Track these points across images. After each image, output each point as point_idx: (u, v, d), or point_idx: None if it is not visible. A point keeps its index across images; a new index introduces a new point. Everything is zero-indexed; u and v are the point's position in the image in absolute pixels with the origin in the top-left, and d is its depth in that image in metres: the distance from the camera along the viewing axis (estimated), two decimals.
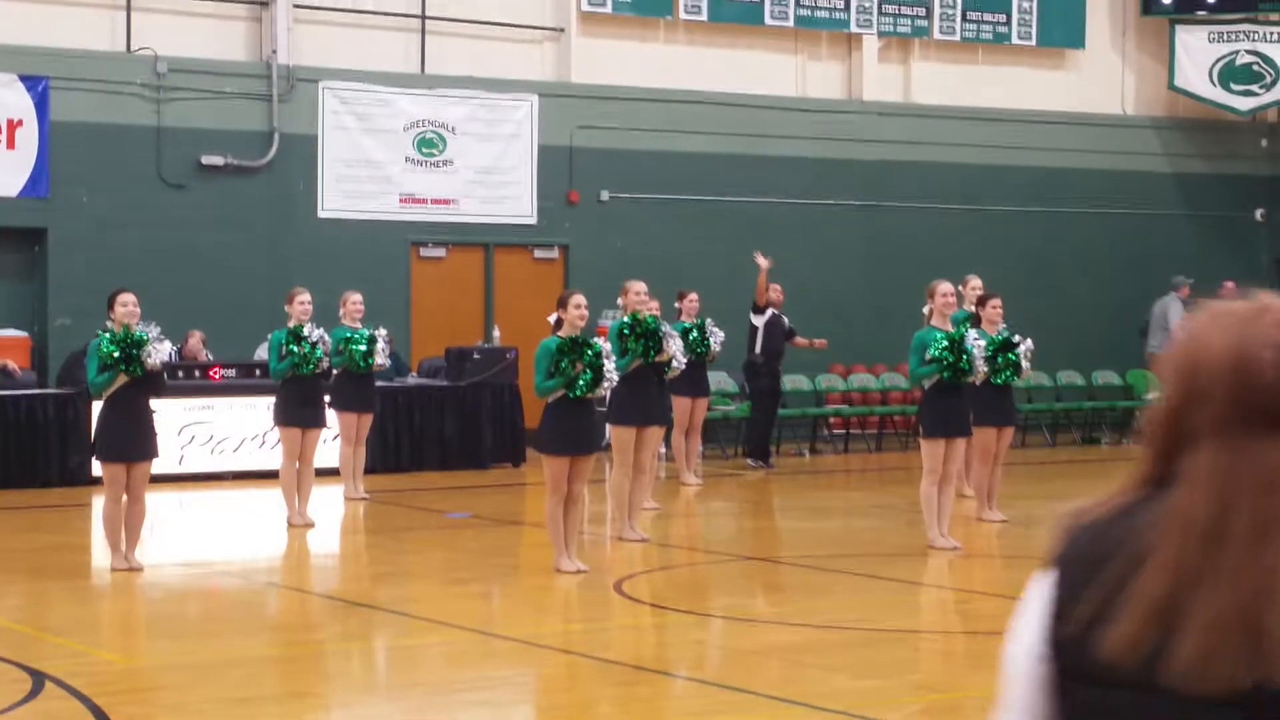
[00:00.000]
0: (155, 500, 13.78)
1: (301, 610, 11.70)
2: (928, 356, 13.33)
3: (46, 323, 19.27)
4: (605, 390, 12.21)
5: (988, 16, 24.17)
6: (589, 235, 21.74)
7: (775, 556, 13.73)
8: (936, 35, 23.85)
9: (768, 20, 22.82)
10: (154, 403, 12.51)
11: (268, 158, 20.24)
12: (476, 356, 19.50)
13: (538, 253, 21.73)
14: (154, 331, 12.14)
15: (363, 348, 15.84)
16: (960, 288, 15.85)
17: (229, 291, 19.82)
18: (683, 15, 22.38)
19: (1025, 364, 14.41)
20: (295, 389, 14.77)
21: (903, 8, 23.60)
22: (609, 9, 21.96)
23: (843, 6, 23.24)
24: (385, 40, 21.11)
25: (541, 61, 21.93)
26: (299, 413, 14.80)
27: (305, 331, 14.72)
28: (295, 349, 14.64)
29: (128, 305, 12.25)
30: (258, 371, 17.63)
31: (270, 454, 17.17)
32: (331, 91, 20.55)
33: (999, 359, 14.15)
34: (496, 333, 20.48)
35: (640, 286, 14.08)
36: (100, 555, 13.04)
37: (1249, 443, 2.14)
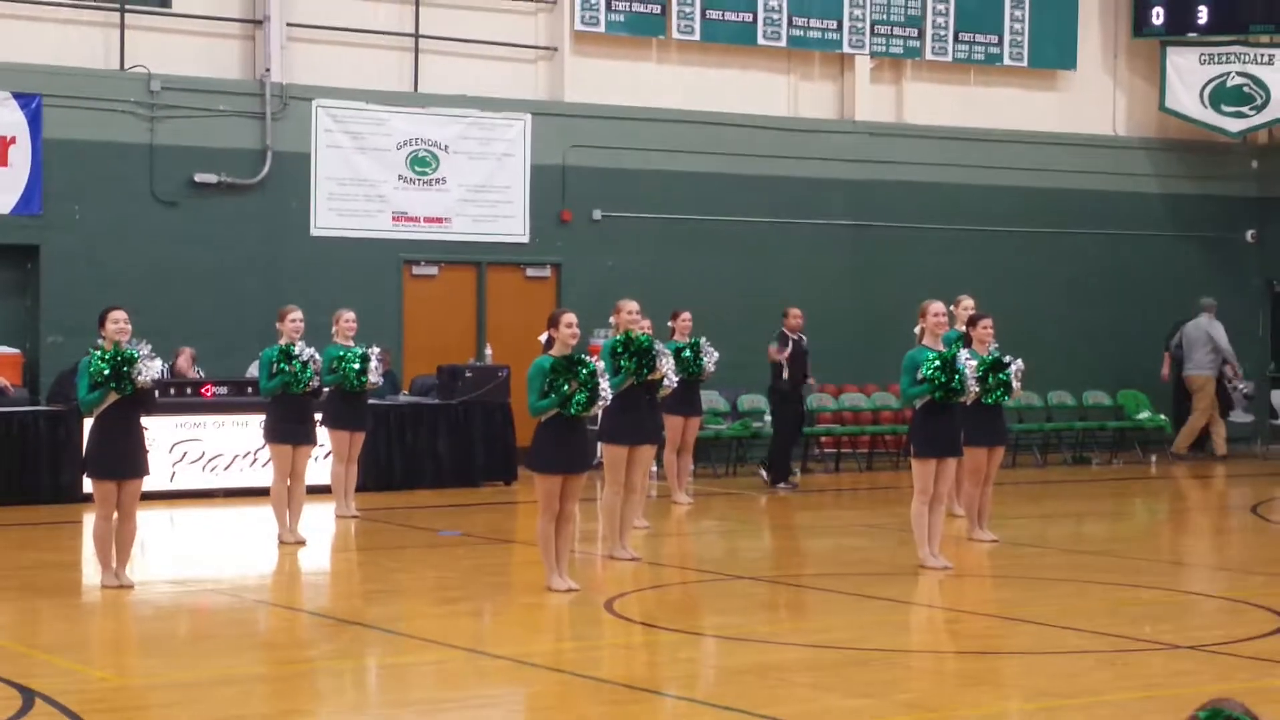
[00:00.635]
0: (146, 517, 13.77)
1: (292, 628, 11.68)
2: (919, 376, 13.36)
3: (39, 340, 19.27)
4: (599, 409, 12.23)
5: (980, 37, 24.24)
6: (581, 254, 21.76)
7: (767, 576, 13.73)
8: (929, 56, 23.90)
9: (760, 40, 22.87)
10: (146, 420, 12.50)
11: (260, 176, 20.25)
12: (468, 375, 19.51)
13: (530, 271, 21.75)
14: (145, 349, 12.14)
15: (356, 366, 15.86)
16: (952, 308, 15.90)
17: (221, 309, 19.83)
18: (676, 35, 22.43)
19: (1016, 384, 14.45)
20: (286, 406, 14.78)
21: (895, 28, 23.66)
22: (602, 29, 22.01)
23: (835, 27, 23.30)
24: (378, 59, 21.13)
25: (534, 81, 21.96)
26: (290, 430, 14.80)
27: (296, 350, 14.73)
28: (286, 367, 14.65)
29: (119, 323, 12.26)
30: (249, 389, 17.64)
31: (261, 471, 17.17)
32: (324, 110, 20.57)
33: (989, 379, 14.19)
34: (489, 351, 20.49)
35: (633, 305, 14.10)
36: (91, 573, 13.03)
37: None
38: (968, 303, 16.53)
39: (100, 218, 19.51)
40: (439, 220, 21.17)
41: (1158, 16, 25.03)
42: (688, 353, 16.94)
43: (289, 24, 20.47)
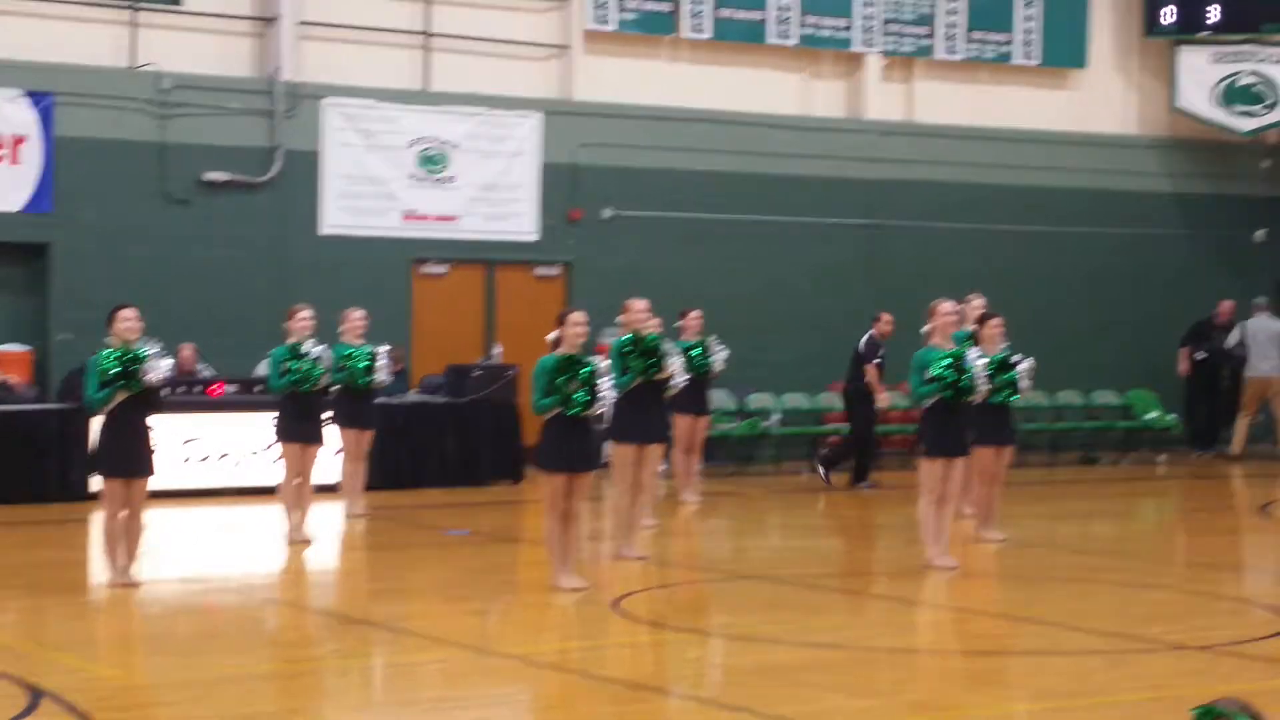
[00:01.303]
0: (154, 515, 13.79)
1: (299, 627, 11.69)
2: (929, 375, 13.35)
3: (48, 338, 19.29)
4: (601, 409, 12.19)
5: (991, 36, 24.21)
6: (591, 253, 21.75)
7: (773, 575, 13.72)
8: (940, 55, 23.88)
9: (771, 39, 22.86)
10: (154, 418, 12.50)
11: (270, 174, 20.27)
12: (477, 374, 19.51)
13: (539, 270, 21.75)
14: (154, 348, 12.14)
15: (363, 365, 15.86)
16: (963, 306, 15.87)
17: (231, 307, 19.85)
18: (686, 34, 22.41)
19: (1025, 383, 14.42)
20: (296, 405, 14.79)
21: (906, 27, 23.64)
22: (613, 27, 22.00)
23: (846, 26, 23.28)
24: (389, 57, 21.14)
25: (545, 79, 21.95)
26: (299, 428, 14.81)
27: (305, 348, 14.74)
28: (295, 365, 14.66)
29: (128, 321, 12.26)
30: (258, 387, 17.65)
31: (270, 470, 17.17)
32: (335, 108, 20.58)
33: (997, 378, 14.16)
34: (499, 350, 20.48)
35: (641, 304, 14.10)
36: (98, 570, 13.04)
37: None
38: (978, 302, 16.49)
39: (111, 216, 19.53)
40: (449, 219, 21.17)
41: (1169, 15, 24.98)
42: (696, 351, 16.93)
43: (300, 22, 20.48)
